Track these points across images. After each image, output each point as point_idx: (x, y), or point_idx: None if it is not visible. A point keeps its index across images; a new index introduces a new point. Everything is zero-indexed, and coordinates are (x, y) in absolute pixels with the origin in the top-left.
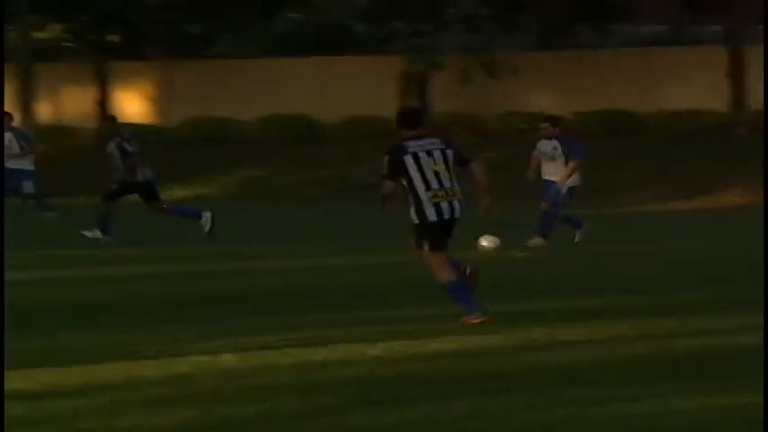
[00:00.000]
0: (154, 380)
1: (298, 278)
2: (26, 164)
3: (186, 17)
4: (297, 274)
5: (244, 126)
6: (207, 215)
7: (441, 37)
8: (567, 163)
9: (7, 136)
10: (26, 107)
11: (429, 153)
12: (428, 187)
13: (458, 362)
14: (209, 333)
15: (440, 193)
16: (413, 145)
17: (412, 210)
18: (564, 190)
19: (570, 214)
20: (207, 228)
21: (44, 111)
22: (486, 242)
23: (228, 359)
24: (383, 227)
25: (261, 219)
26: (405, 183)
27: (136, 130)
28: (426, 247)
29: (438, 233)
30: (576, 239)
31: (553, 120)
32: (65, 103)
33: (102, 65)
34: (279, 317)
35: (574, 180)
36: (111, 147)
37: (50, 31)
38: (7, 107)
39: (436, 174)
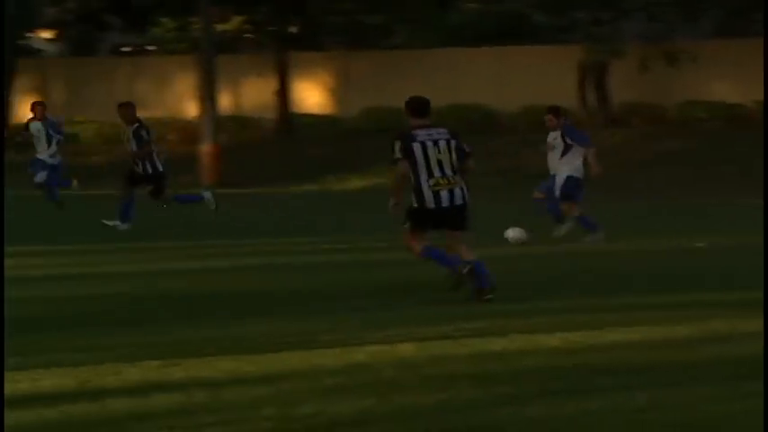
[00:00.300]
0: (332, 369)
1: None
2: (46, 155)
3: (364, 8)
4: None
5: None
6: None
7: (620, 25)
8: (564, 152)
9: (36, 125)
10: (208, 98)
11: (435, 142)
12: (431, 175)
13: (638, 352)
14: (385, 322)
15: (441, 181)
16: (421, 134)
17: (413, 193)
18: (562, 178)
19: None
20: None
21: (225, 102)
22: (512, 234)
23: (406, 348)
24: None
25: None
26: (409, 168)
27: (314, 121)
28: (408, 226)
29: (428, 219)
30: (560, 233)
31: (555, 111)
32: (245, 94)
33: (281, 56)
34: (456, 307)
35: (573, 169)
36: (129, 133)
37: (232, 23)
38: (189, 98)
39: (439, 162)
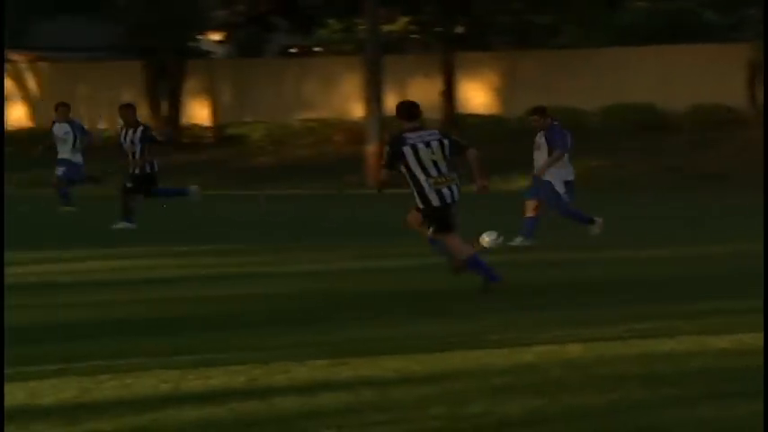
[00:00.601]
0: (500, 368)
1: (642, 268)
2: (71, 154)
3: (531, 7)
4: (639, 263)
5: (587, 116)
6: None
7: None
8: (550, 153)
9: (64, 127)
10: (374, 99)
11: (427, 144)
12: (428, 175)
13: None
14: (553, 323)
15: (439, 180)
16: (412, 137)
17: (416, 195)
18: (557, 184)
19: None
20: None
21: (391, 102)
22: (488, 238)
23: (574, 349)
24: (721, 218)
25: (604, 208)
26: (405, 172)
27: (479, 121)
28: (432, 232)
29: (442, 217)
30: (515, 243)
31: (540, 111)
32: (411, 95)
33: (447, 56)
34: (623, 308)
35: (567, 173)
36: (133, 135)
37: (398, 24)
38: (355, 99)
39: (434, 162)
